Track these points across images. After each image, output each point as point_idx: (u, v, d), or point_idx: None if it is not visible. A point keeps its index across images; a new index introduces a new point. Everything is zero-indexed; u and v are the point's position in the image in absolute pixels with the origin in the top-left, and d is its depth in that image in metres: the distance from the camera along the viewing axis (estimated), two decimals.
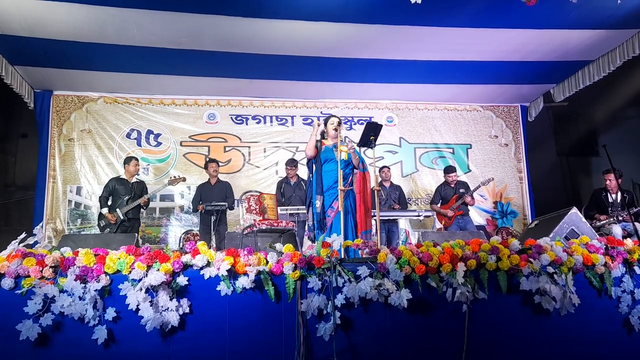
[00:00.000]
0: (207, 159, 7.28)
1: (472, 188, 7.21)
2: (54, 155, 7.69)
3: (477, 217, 8.09)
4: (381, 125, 4.67)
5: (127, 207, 6.27)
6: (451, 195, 7.06)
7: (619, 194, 6.10)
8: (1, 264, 3.01)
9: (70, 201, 7.62)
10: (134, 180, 6.55)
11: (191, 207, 7.28)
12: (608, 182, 6.23)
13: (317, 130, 4.72)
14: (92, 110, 7.96)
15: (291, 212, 6.22)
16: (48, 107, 7.75)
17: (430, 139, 8.72)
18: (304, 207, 6.18)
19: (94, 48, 6.30)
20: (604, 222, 5.99)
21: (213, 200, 6.46)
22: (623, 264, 3.51)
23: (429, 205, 7.87)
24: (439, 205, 7.18)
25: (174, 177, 6.76)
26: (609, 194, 6.25)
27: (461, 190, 7.00)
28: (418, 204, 8.32)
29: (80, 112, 7.91)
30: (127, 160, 6.59)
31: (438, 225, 7.36)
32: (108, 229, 6.21)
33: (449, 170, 7.26)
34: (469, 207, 7.18)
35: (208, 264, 3.11)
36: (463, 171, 8.51)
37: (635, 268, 3.52)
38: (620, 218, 5.86)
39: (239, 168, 8.21)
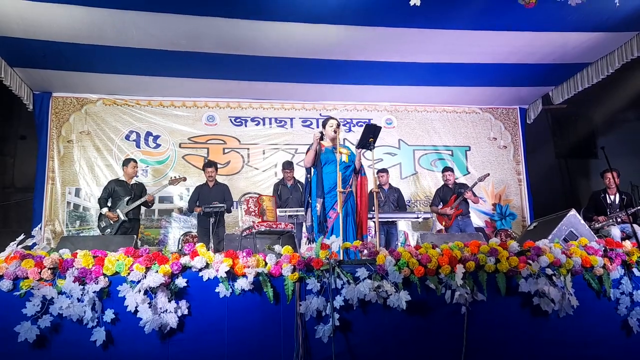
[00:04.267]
0: (204, 163, 7.26)
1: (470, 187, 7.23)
2: (52, 157, 7.68)
3: (476, 219, 8.08)
4: (380, 127, 4.67)
5: (128, 208, 6.27)
6: (450, 196, 7.08)
7: (618, 195, 6.12)
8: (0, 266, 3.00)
9: (69, 203, 7.61)
10: (133, 182, 6.55)
11: (188, 207, 7.24)
12: (607, 181, 6.24)
13: (316, 144, 4.72)
14: (91, 112, 7.95)
15: (290, 213, 6.22)
16: (47, 108, 7.74)
17: (429, 141, 8.72)
18: (302, 209, 6.19)
19: (93, 50, 6.29)
20: (603, 223, 5.99)
21: (211, 202, 6.43)
22: (622, 265, 3.52)
23: (428, 207, 7.88)
24: (439, 207, 7.19)
25: (174, 177, 6.75)
26: (607, 196, 6.27)
27: (460, 190, 7.01)
28: (417, 206, 8.31)
29: (80, 114, 7.91)
30: (126, 162, 6.59)
31: (438, 226, 7.38)
32: (108, 230, 6.20)
33: (445, 169, 7.32)
34: (472, 208, 7.18)
35: (207, 266, 3.11)
36: (462, 173, 8.51)
37: (634, 270, 3.53)
38: (619, 219, 5.87)
39: (238, 170, 8.20)
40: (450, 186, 7.17)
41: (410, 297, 3.09)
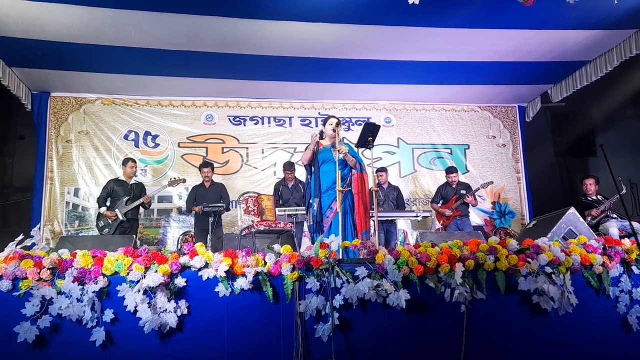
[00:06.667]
0: (200, 163, 7.26)
1: (472, 189, 7.22)
2: (51, 157, 7.66)
3: (475, 217, 8.09)
4: (379, 126, 4.67)
5: (127, 208, 6.26)
6: (451, 196, 7.08)
7: (597, 196, 6.44)
8: None
9: (68, 203, 7.60)
10: (132, 181, 6.54)
11: (186, 208, 7.22)
12: (588, 186, 6.48)
13: (313, 144, 4.71)
14: (89, 111, 7.94)
15: (289, 213, 6.21)
16: (45, 108, 7.72)
17: (428, 140, 8.71)
18: (301, 208, 6.18)
19: (91, 49, 6.28)
20: (598, 218, 6.17)
21: (208, 202, 6.40)
22: (621, 263, 3.53)
23: (427, 205, 7.87)
24: (439, 204, 7.19)
25: (174, 178, 6.74)
26: (587, 197, 6.49)
27: (462, 192, 7.01)
28: (417, 204, 8.31)
29: (78, 114, 7.89)
30: (124, 162, 6.59)
31: (437, 225, 7.38)
32: (107, 229, 6.19)
33: (450, 170, 7.29)
34: (471, 208, 7.19)
35: (206, 265, 3.11)
36: (461, 171, 8.48)
37: (633, 268, 3.54)
38: (611, 212, 6.17)
39: (236, 169, 8.19)
40: (453, 186, 7.17)
41: (409, 296, 3.09)
